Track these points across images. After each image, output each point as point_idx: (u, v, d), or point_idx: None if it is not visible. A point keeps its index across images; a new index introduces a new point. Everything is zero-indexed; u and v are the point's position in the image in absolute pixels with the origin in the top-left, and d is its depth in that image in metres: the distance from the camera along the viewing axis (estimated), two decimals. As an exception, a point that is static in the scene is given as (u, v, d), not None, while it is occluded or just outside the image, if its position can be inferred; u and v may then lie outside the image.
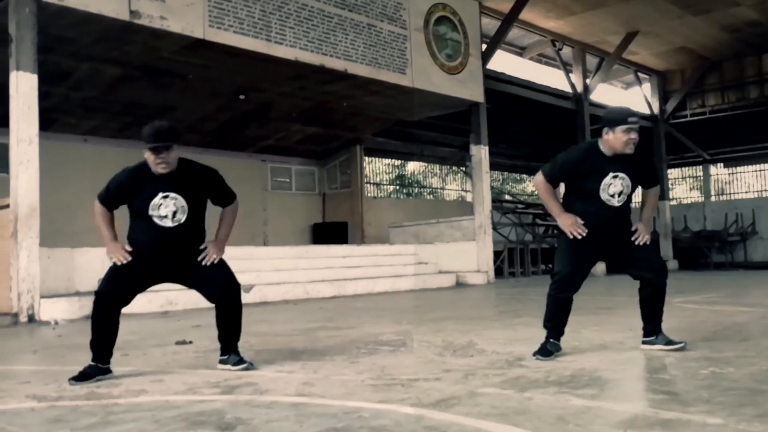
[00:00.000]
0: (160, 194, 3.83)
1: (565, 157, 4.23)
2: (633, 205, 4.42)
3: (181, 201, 3.86)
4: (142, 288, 3.99)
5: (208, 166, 4.13)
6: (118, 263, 3.84)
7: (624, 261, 4.27)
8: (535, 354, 4.14)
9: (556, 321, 4.22)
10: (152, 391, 3.48)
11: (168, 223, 3.84)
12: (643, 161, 4.27)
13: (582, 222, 4.08)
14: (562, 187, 4.43)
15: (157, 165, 3.79)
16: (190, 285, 4.10)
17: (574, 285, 4.20)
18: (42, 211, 7.87)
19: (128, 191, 3.89)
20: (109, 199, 3.94)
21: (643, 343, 4.34)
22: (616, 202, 4.11)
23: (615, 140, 4.04)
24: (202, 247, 3.96)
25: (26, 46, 7.89)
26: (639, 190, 4.37)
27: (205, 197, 4.02)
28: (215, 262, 3.96)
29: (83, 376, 3.75)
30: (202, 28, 9.61)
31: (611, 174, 4.08)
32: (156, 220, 3.83)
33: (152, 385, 3.61)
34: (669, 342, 4.24)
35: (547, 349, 4.14)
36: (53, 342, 5.95)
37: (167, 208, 3.83)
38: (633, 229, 4.20)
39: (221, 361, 4.10)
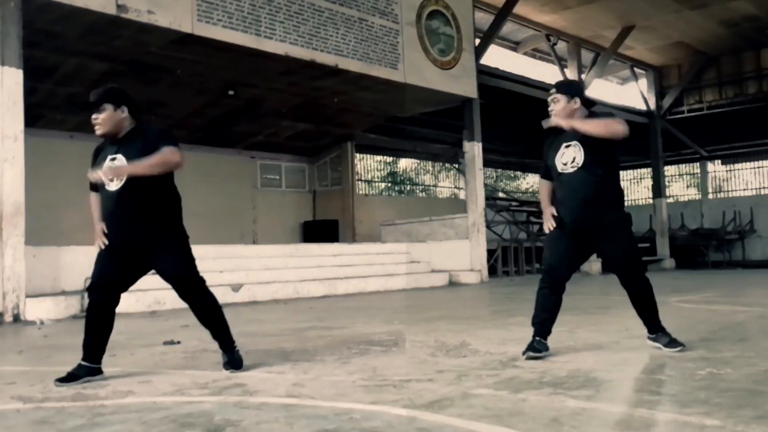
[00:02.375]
0: (108, 158, 3.80)
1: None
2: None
3: (122, 160, 3.75)
4: (123, 275, 3.86)
5: (152, 126, 3.99)
6: (98, 247, 3.80)
7: (600, 255, 4.29)
8: (524, 352, 4.09)
9: (541, 318, 4.18)
10: (140, 392, 3.44)
11: (113, 186, 3.76)
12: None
13: (555, 214, 4.19)
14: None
15: (94, 127, 3.82)
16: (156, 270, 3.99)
17: (556, 279, 4.18)
18: (27, 209, 7.78)
19: (94, 164, 3.89)
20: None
21: (648, 338, 4.33)
22: (569, 168, 4.15)
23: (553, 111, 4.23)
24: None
25: (11, 41, 7.80)
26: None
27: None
28: (113, 176, 3.72)
29: (71, 377, 3.68)
30: (190, 23, 9.52)
31: (564, 144, 4.20)
32: (106, 185, 3.79)
33: (140, 386, 3.57)
34: (669, 343, 4.20)
35: (535, 347, 4.09)
36: (39, 342, 5.89)
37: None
38: None
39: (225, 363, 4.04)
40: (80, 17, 8.88)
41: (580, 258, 4.33)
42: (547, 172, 4.37)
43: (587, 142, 4.09)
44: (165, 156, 3.69)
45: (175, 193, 3.94)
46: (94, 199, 3.95)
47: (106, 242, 3.79)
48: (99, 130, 3.82)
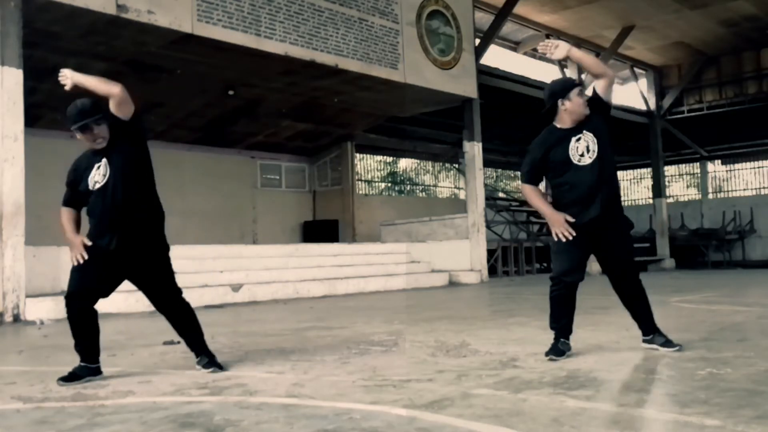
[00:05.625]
0: (94, 167, 3.83)
1: (527, 153, 4.25)
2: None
3: (104, 161, 3.82)
4: (107, 283, 3.88)
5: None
6: (74, 262, 3.78)
7: (600, 250, 4.18)
8: (547, 354, 4.06)
9: (562, 322, 4.16)
10: (140, 392, 3.44)
11: (99, 185, 3.80)
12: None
13: (571, 221, 4.01)
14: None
15: (95, 143, 3.81)
16: (138, 285, 4.01)
17: (571, 283, 4.14)
18: (27, 209, 7.77)
19: (76, 179, 3.88)
20: (67, 196, 3.95)
21: (643, 341, 4.31)
22: (587, 159, 4.05)
23: (575, 104, 4.07)
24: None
25: (12, 41, 7.80)
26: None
27: (130, 148, 3.88)
28: (65, 79, 3.86)
29: (72, 377, 3.71)
30: (190, 23, 9.51)
31: (573, 138, 4.09)
32: (95, 189, 3.82)
33: (140, 386, 3.57)
34: (665, 343, 4.20)
35: (559, 348, 4.08)
36: (39, 342, 5.88)
37: (99, 175, 3.83)
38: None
39: (197, 362, 4.08)
40: (80, 17, 8.87)
41: (589, 253, 4.24)
42: (536, 175, 4.23)
43: (597, 131, 4.08)
44: (109, 84, 3.80)
45: (160, 206, 4.03)
46: (70, 213, 3.95)
47: (86, 256, 3.76)
48: (103, 144, 3.81)
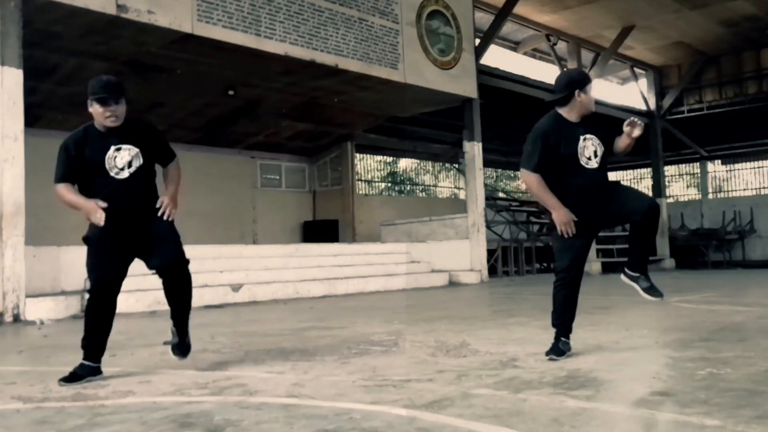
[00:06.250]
0: (113, 147, 3.80)
1: (535, 136, 4.10)
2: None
3: (134, 149, 3.84)
4: (124, 263, 3.89)
5: (148, 121, 4.12)
6: (101, 222, 3.71)
7: (615, 213, 4.15)
8: (548, 353, 4.05)
9: (564, 318, 4.13)
10: (140, 392, 3.44)
11: (125, 174, 3.80)
12: (599, 123, 4.19)
13: (575, 219, 3.96)
14: None
15: (107, 118, 3.77)
16: (143, 253, 3.94)
17: (574, 278, 4.11)
18: (28, 209, 7.75)
19: (81, 154, 3.80)
20: (69, 171, 3.83)
21: (624, 273, 4.24)
22: (594, 163, 4.03)
23: (588, 100, 4.06)
24: (158, 204, 3.88)
25: (12, 41, 7.78)
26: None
27: (151, 151, 3.95)
28: (172, 217, 3.87)
29: (74, 377, 3.70)
30: (190, 23, 9.50)
31: (582, 137, 4.03)
32: (113, 173, 3.79)
33: (140, 386, 3.57)
34: (649, 289, 4.15)
35: (560, 348, 4.06)
36: (39, 342, 5.88)
37: (122, 159, 3.80)
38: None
39: (167, 342, 4.15)
40: (80, 17, 8.86)
41: (590, 243, 4.23)
42: (544, 164, 4.05)
43: (605, 137, 4.07)
44: (179, 171, 4.09)
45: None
46: (71, 188, 3.86)
47: (102, 222, 3.72)
48: (115, 123, 3.79)
